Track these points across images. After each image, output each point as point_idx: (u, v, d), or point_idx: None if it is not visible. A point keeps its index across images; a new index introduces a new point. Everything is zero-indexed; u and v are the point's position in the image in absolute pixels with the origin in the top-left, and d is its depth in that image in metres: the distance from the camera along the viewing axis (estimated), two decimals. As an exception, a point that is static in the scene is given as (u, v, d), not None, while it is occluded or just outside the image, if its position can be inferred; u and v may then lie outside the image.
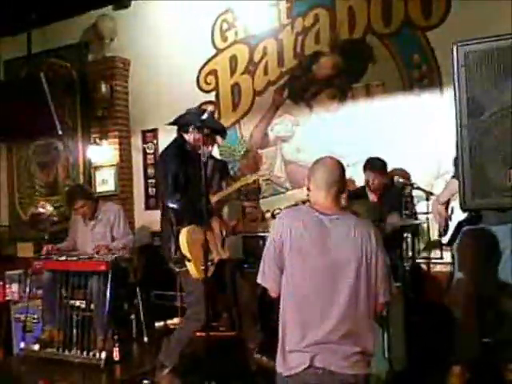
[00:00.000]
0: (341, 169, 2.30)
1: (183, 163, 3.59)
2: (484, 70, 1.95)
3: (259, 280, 2.28)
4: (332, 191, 2.24)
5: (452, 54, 1.99)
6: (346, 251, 2.14)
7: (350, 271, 2.13)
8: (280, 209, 5.57)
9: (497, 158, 1.94)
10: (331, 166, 2.29)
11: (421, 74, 4.87)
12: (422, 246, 4.53)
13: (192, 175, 3.55)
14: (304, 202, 5.28)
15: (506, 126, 1.92)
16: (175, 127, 3.80)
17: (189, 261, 3.45)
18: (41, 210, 6.59)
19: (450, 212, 3.53)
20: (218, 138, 3.82)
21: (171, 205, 3.54)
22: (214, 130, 3.77)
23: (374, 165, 4.37)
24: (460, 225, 3.45)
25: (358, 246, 2.15)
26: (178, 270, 3.65)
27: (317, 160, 2.35)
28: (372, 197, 4.41)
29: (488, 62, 1.94)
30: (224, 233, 3.80)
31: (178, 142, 3.71)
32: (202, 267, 3.37)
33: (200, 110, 3.88)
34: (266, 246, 2.27)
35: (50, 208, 6.51)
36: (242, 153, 5.84)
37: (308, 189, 2.33)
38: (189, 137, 3.66)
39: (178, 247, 3.51)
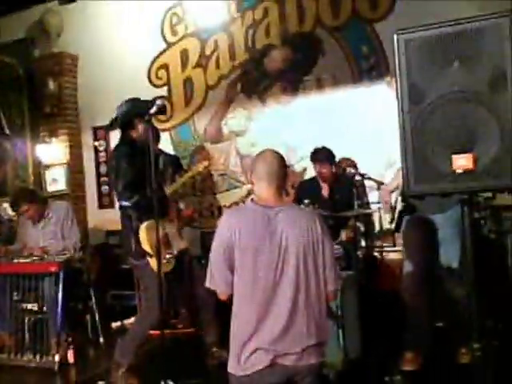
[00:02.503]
0: (280, 160, 2.32)
1: (134, 160, 3.53)
2: (424, 57, 1.98)
3: (208, 283, 2.24)
4: (273, 183, 2.26)
5: (393, 42, 2.02)
6: (293, 242, 2.14)
7: (299, 262, 2.14)
8: (236, 203, 5.57)
9: (439, 143, 1.97)
10: (271, 158, 2.30)
11: (369, 66, 4.95)
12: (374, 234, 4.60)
13: (145, 171, 3.50)
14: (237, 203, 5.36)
15: (446, 111, 1.96)
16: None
17: (150, 256, 3.42)
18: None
19: (395, 200, 3.60)
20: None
21: (124, 203, 3.51)
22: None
23: (319, 155, 4.40)
24: (401, 214, 3.52)
25: (304, 236, 2.16)
26: (136, 263, 3.60)
27: (258, 153, 2.38)
28: (324, 187, 4.45)
29: (428, 50, 1.98)
30: (180, 223, 3.81)
31: (126, 140, 3.65)
32: (164, 261, 3.41)
33: (132, 100, 3.78)
34: (212, 249, 2.23)
35: (10, 212, 6.29)
36: (195, 148, 5.79)
37: (251, 182, 2.35)
38: (135, 133, 3.61)
39: (138, 243, 3.47)
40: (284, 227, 2.16)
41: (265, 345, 2.10)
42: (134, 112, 3.57)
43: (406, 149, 1.97)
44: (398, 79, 1.99)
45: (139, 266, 3.59)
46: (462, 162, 1.94)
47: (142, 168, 3.45)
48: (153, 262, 3.43)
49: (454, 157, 1.94)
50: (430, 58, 1.99)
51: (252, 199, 2.33)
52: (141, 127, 3.57)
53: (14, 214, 6.05)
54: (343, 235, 4.17)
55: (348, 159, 4.75)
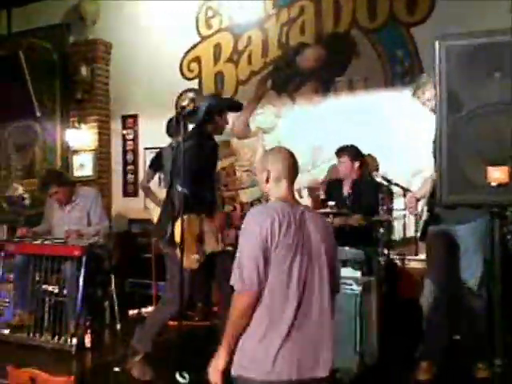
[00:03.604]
0: (295, 158, 2.26)
1: (204, 153, 3.61)
2: (465, 65, 1.95)
3: (238, 281, 2.03)
4: (292, 181, 2.22)
5: (434, 48, 1.99)
6: (319, 244, 2.11)
7: (324, 265, 2.10)
8: (259, 200, 5.57)
9: (475, 154, 1.95)
10: (288, 156, 2.24)
11: (403, 70, 4.89)
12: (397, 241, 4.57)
13: (207, 165, 3.66)
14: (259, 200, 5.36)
15: (484, 122, 1.93)
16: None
17: (179, 247, 3.43)
18: (12, 192, 6.49)
19: (421, 209, 3.58)
20: None
21: (181, 189, 3.44)
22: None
23: (342, 149, 4.47)
24: (426, 223, 3.50)
25: (325, 238, 2.14)
26: (166, 250, 3.62)
27: (270, 151, 2.34)
28: (345, 185, 4.47)
29: (470, 58, 1.95)
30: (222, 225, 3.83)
31: (202, 132, 3.68)
32: (192, 257, 3.43)
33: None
34: (247, 244, 2.06)
35: (21, 191, 6.40)
36: (221, 142, 5.78)
37: (266, 181, 2.22)
38: (211, 127, 3.67)
39: (173, 231, 3.49)
40: (311, 228, 2.12)
41: (293, 352, 2.01)
42: (216, 108, 3.65)
43: (441, 157, 1.94)
44: (438, 87, 1.97)
45: (169, 254, 3.60)
46: (497, 174, 1.91)
47: (207, 162, 3.56)
48: (179, 254, 3.46)
49: (490, 169, 1.92)
50: (470, 67, 1.96)
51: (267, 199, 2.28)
52: (220, 122, 3.71)
53: (23, 192, 6.19)
54: None
55: (369, 155, 4.73)
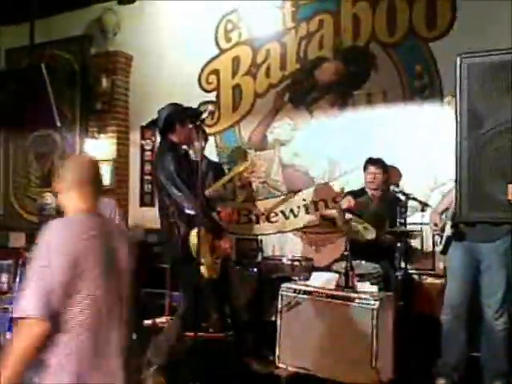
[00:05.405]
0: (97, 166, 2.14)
1: (182, 166, 3.58)
2: (486, 83, 1.95)
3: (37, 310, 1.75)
4: (94, 191, 2.05)
5: (455, 65, 1.99)
6: (125, 260, 2.03)
7: (126, 282, 2.02)
8: (275, 213, 5.58)
9: (495, 171, 1.94)
10: (91, 164, 2.11)
11: (422, 85, 4.88)
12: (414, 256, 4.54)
13: (190, 176, 3.55)
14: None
15: (506, 140, 1.92)
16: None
17: (202, 264, 3.43)
18: (47, 201, 6.57)
19: (443, 224, 3.56)
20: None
21: (189, 211, 3.48)
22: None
23: (376, 161, 4.45)
24: (449, 239, 3.48)
25: (129, 252, 2.07)
26: (182, 267, 3.63)
27: (69, 158, 2.39)
28: (374, 199, 4.44)
29: (491, 76, 1.95)
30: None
31: (169, 144, 3.69)
32: (215, 265, 3.50)
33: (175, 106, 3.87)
34: (50, 266, 1.80)
35: (47, 199, 6.47)
36: (237, 152, 5.82)
37: (60, 191, 2.04)
38: (175, 137, 3.66)
39: (187, 248, 3.48)
40: (117, 243, 2.05)
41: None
42: (176, 116, 3.64)
43: (461, 174, 1.94)
44: (458, 103, 1.97)
45: (185, 270, 3.61)
46: (517, 192, 1.90)
47: (188, 174, 3.50)
48: (204, 269, 3.47)
49: (510, 186, 1.90)
50: (492, 85, 1.96)
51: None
52: (183, 131, 3.66)
53: (50, 200, 6.25)
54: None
55: (393, 167, 4.70)
